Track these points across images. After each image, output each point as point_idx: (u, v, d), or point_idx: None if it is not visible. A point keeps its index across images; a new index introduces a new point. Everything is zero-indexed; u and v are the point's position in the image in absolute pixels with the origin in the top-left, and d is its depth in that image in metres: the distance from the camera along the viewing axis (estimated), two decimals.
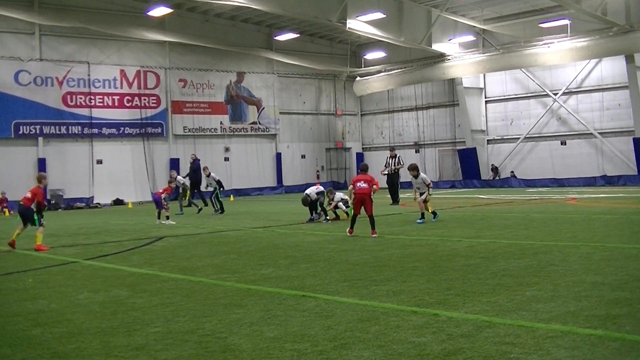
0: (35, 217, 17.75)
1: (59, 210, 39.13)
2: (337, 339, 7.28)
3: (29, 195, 17.96)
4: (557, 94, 45.52)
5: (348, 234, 18.15)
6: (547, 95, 46.29)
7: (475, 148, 48.66)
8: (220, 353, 6.93)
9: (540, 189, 42.26)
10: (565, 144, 45.72)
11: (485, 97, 49.93)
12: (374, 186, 18.01)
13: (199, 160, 36.29)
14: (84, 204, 41.15)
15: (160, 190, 26.71)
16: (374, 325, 7.80)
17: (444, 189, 46.49)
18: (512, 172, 47.55)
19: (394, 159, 31.64)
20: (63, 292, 11.03)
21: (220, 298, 9.91)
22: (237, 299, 9.74)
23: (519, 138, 47.88)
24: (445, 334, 7.29)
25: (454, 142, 51.30)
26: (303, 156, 53.70)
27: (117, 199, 42.76)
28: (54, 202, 39.84)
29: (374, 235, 17.39)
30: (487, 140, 49.66)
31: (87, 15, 40.90)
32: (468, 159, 49.14)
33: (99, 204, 41.74)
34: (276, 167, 51.41)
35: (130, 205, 40.60)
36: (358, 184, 17.96)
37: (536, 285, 9.84)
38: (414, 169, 22.01)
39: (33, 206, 17.87)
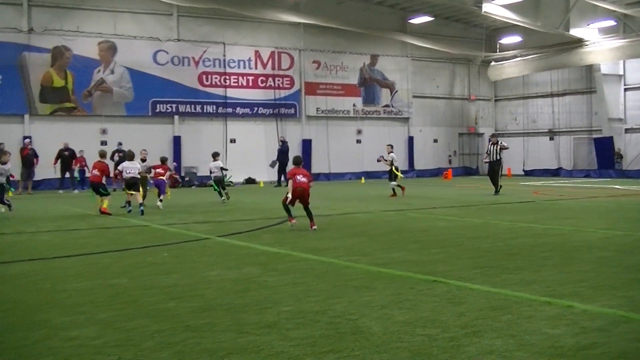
0: (102, 190, 20.84)
1: (193, 187, 39.87)
2: (468, 326, 7.19)
3: (97, 172, 19.17)
4: None
5: (290, 223, 17.11)
6: None
7: (612, 137, 47.24)
8: (351, 335, 6.92)
9: None
10: None
11: (625, 85, 48.40)
12: (311, 182, 17.51)
13: (287, 142, 36.38)
14: None
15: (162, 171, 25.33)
16: (506, 314, 7.67)
17: (578, 178, 45.35)
18: None
19: (495, 146, 29.95)
20: (196, 268, 11.25)
21: (351, 280, 9.92)
22: (367, 282, 9.72)
23: None
24: (579, 326, 7.10)
25: (589, 131, 49.83)
26: (435, 140, 53.20)
27: (250, 178, 43.28)
28: (187, 179, 40.66)
29: (314, 228, 16.75)
30: (625, 129, 48.16)
31: None
32: (604, 148, 47.77)
33: (231, 182, 42.33)
34: (408, 150, 51.09)
35: (262, 185, 41.07)
36: (298, 178, 17.10)
37: None
38: None
39: (103, 180, 20.79)
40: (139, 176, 23.11)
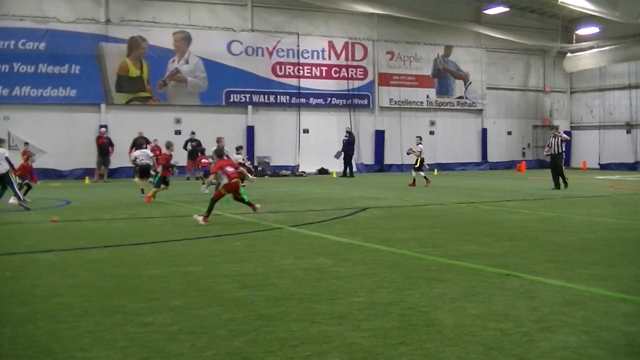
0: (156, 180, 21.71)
1: (265, 177, 40.07)
2: (541, 320, 7.11)
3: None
4: None
5: (202, 222, 16.04)
6: None
7: None
8: (423, 327, 6.90)
9: None
10: None
11: None
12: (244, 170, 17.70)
13: (353, 134, 38.30)
14: (289, 172, 42.03)
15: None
16: (580, 310, 7.56)
17: None
18: None
19: (555, 138, 29.03)
20: (268, 257, 11.31)
21: (423, 272, 9.88)
22: (439, 274, 9.68)
23: None
24: None
25: None
26: (509, 132, 52.60)
27: (322, 169, 43.39)
28: (260, 168, 40.88)
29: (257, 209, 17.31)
30: None
31: None
32: None
33: (304, 172, 42.51)
34: (481, 142, 50.66)
35: (334, 175, 41.09)
36: (228, 169, 16.92)
37: None
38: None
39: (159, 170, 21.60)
40: (150, 163, 24.12)
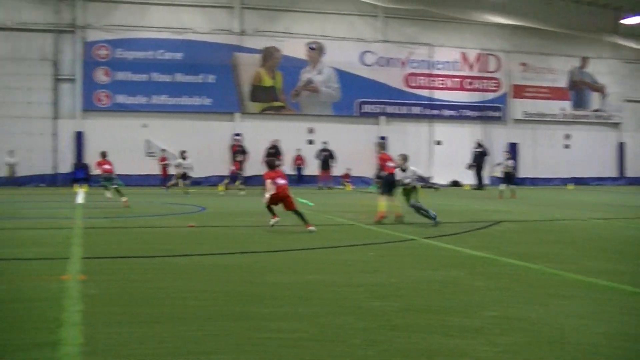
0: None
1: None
2: None
3: (391, 164, 19.06)
4: None
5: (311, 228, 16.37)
6: None
7: None
8: (557, 344, 6.72)
9: None
10: None
11: None
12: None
13: (484, 145, 39.36)
14: (421, 184, 41.72)
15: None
16: None
17: None
18: None
19: None
20: (402, 268, 11.24)
21: (558, 288, 9.62)
22: (573, 291, 9.40)
23: None
24: None
25: None
26: None
27: (454, 181, 43.06)
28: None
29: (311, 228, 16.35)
30: None
31: None
32: None
33: (435, 184, 42.18)
34: (618, 157, 49.30)
35: (467, 188, 40.68)
36: (279, 181, 17.03)
37: None
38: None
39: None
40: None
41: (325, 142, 39.29)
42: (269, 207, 17.14)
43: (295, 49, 41.32)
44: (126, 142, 38.15)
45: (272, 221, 16.84)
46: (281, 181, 17.17)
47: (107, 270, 10.79)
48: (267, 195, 16.95)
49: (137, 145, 38.87)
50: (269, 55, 40.89)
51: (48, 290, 9.01)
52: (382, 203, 18.98)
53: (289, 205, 17.14)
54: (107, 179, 25.09)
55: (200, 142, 38.71)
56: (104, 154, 26.33)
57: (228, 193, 31.87)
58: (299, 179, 39.82)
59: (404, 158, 18.87)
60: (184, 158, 31.54)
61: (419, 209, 18.28)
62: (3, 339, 6.75)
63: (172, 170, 35.53)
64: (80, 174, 37.67)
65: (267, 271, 10.79)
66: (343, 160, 39.53)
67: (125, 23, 39.20)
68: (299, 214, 16.88)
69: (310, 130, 41.40)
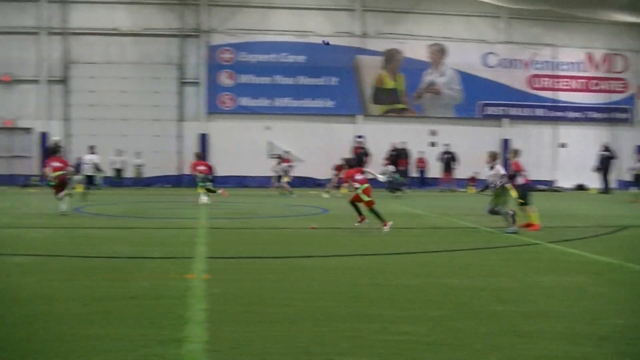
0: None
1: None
2: None
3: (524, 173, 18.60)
4: None
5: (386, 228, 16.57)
6: None
7: None
8: None
9: None
10: None
11: None
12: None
13: (610, 148, 38.31)
14: (545, 187, 41.06)
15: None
16: None
17: None
18: None
19: None
20: (526, 273, 11.06)
21: None
22: None
23: None
24: None
25: None
26: None
27: (580, 185, 42.14)
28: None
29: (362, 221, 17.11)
30: None
31: None
32: None
33: (560, 187, 41.50)
34: None
35: (593, 192, 39.75)
36: (357, 177, 17.31)
37: None
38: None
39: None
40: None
41: (447, 145, 39.08)
42: (353, 205, 17.41)
43: (417, 50, 41.17)
44: (249, 144, 38.84)
45: (386, 227, 16.59)
46: (360, 177, 17.46)
47: (230, 269, 11.01)
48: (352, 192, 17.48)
49: (260, 147, 39.38)
50: (390, 57, 40.89)
51: (174, 288, 9.24)
52: (534, 214, 18.35)
53: (366, 203, 17.23)
54: (204, 180, 25.54)
55: (323, 144, 39.01)
56: (198, 155, 26.76)
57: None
58: (421, 182, 39.77)
59: (494, 156, 17.92)
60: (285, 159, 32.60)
61: (499, 213, 17.30)
62: (131, 334, 6.96)
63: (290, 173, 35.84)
64: None
65: (393, 274, 10.81)
66: (465, 162, 39.17)
67: (248, 27, 39.85)
68: (374, 212, 17.06)
69: (433, 133, 41.21)
